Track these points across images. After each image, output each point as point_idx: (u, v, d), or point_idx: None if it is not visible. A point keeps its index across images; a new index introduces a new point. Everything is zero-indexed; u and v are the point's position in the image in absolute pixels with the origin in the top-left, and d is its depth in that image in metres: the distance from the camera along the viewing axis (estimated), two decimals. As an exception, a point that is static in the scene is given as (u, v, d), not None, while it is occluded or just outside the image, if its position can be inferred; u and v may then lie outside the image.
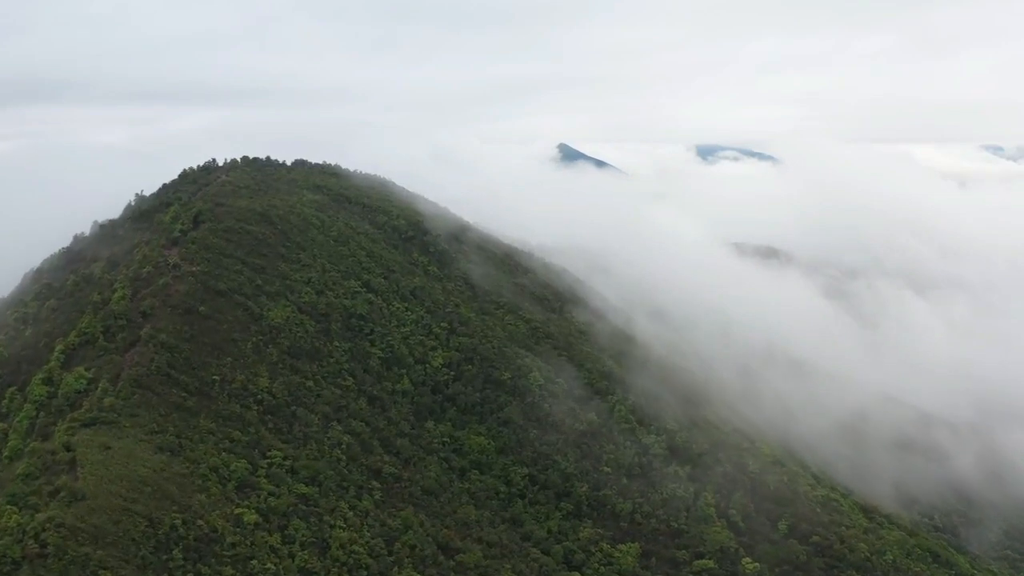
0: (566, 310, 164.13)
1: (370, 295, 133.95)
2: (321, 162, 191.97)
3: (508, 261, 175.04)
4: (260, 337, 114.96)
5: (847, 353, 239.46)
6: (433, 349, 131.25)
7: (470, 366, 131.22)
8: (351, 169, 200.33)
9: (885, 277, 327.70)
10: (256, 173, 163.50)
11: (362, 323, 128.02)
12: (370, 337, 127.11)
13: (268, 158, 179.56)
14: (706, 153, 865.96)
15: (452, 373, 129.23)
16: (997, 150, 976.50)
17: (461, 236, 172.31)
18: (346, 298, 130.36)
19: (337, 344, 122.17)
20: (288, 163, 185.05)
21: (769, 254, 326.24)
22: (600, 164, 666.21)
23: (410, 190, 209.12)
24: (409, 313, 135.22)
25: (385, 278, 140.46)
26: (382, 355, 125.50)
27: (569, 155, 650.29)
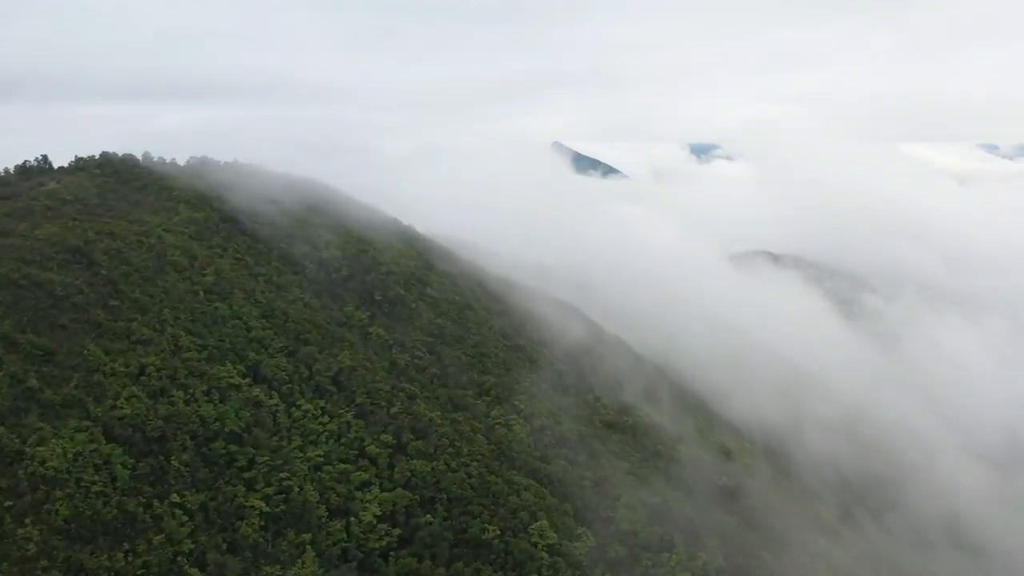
0: (584, 387, 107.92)
1: (257, 391, 77.41)
2: (232, 160, 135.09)
3: (497, 306, 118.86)
4: (10, 503, 58.44)
5: (888, 391, 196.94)
6: (365, 487, 74.94)
7: (430, 516, 75.12)
8: (281, 171, 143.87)
9: (894, 287, 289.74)
10: (110, 179, 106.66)
11: (235, 449, 71.58)
12: (247, 475, 70.64)
13: (146, 155, 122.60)
14: (700, 152, 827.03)
15: (397, 532, 73.09)
16: (992, 148, 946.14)
17: (428, 271, 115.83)
18: (209, 401, 73.81)
19: (177, 498, 65.60)
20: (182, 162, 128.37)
21: (773, 263, 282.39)
22: (594, 164, 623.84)
23: (369, 201, 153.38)
24: (326, 421, 78.77)
25: (289, 356, 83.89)
26: (267, 510, 69.05)
27: (563, 155, 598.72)
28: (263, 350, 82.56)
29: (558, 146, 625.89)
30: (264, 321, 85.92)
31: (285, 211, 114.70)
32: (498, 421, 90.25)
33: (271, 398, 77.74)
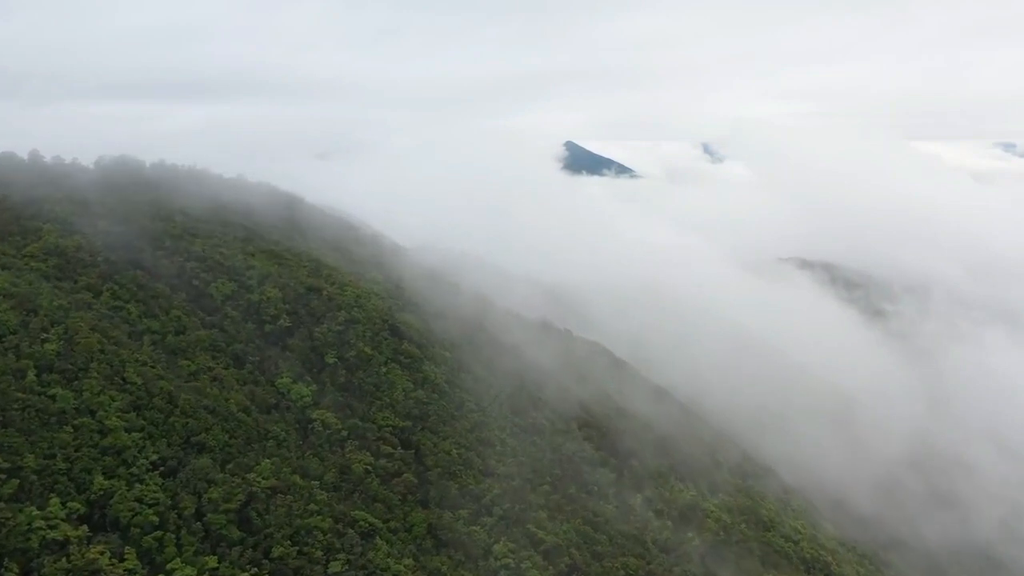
0: (630, 480, 75.67)
1: (96, 548, 45.17)
2: (158, 161, 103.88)
3: (504, 360, 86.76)
4: None
5: (941, 418, 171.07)
6: None
7: None
8: (232, 175, 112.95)
9: (922, 294, 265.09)
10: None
11: None
12: None
13: (34, 153, 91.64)
14: (714, 150, 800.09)
15: None
16: (1009, 147, 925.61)
17: (408, 313, 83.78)
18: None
19: None
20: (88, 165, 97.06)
21: (796, 270, 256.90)
22: (608, 163, 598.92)
23: (350, 209, 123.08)
24: (215, 598, 46.87)
25: (168, 477, 51.80)
26: None
27: (576, 154, 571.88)
28: (123, 468, 50.75)
29: (571, 145, 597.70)
30: (134, 415, 54.11)
31: (212, 231, 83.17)
32: (505, 562, 58.26)
33: (122, 560, 45.93)
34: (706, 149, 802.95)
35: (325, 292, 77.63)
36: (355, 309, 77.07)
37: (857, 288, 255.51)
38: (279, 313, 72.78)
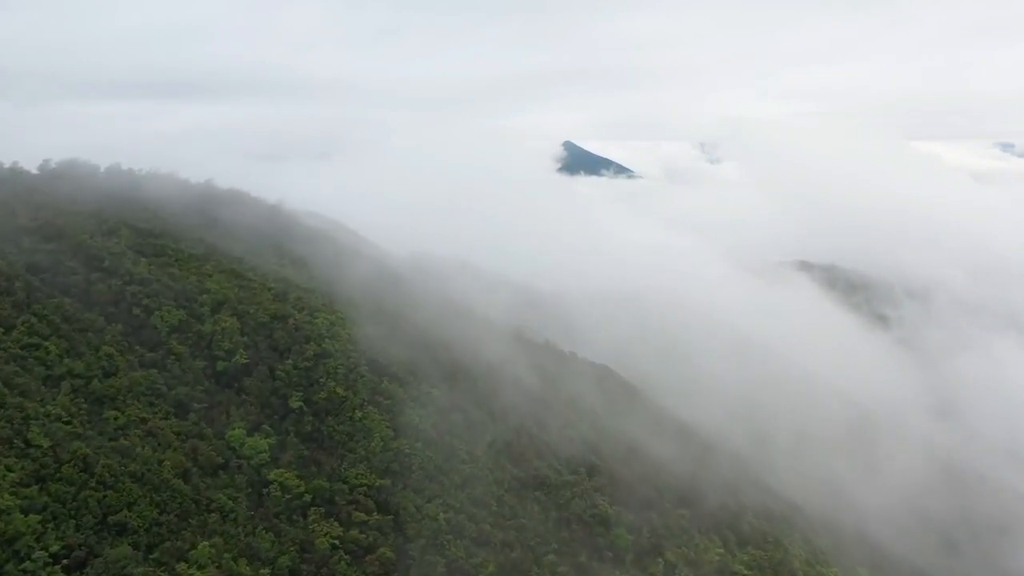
0: (646, 538, 64.66)
1: None
2: (114, 164, 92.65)
3: (502, 394, 75.63)
4: None
5: (957, 432, 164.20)
6: None
7: None
8: (199, 181, 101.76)
9: (925, 295, 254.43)
10: None
11: None
12: None
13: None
14: (713, 151, 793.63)
15: None
16: (1008, 147, 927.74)
17: (390, 342, 72.58)
18: None
19: None
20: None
21: (797, 272, 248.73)
22: (606, 163, 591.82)
23: (335, 216, 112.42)
24: None
25: (72, 572, 40.83)
26: None
27: (575, 155, 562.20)
28: (13, 563, 39.57)
29: (569, 145, 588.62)
30: (35, 490, 42.92)
31: (164, 247, 71.93)
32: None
33: None
34: (705, 149, 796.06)
35: (292, 321, 66.45)
36: (327, 340, 65.92)
37: (858, 291, 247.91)
38: (235, 347, 61.59)
